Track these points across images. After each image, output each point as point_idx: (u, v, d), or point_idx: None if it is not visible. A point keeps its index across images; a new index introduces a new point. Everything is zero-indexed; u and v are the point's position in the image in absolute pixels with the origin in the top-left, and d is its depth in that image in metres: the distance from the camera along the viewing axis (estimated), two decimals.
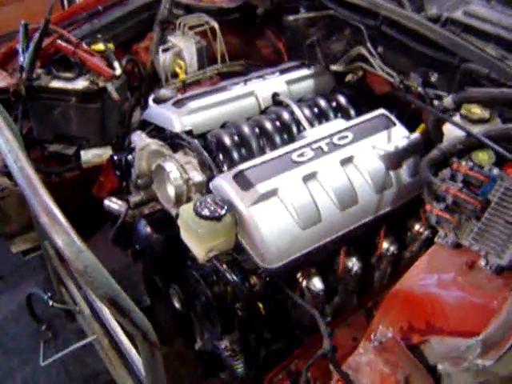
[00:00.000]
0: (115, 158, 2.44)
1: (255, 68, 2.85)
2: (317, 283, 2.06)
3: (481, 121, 2.01)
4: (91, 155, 2.73)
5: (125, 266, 3.02)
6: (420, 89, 2.38)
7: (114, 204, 2.47)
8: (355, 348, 1.71)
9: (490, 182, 1.71)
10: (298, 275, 2.06)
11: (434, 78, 2.41)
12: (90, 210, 2.74)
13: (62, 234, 1.34)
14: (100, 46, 2.78)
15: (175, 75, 2.83)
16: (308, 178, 2.03)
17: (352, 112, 2.48)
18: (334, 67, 2.70)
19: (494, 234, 1.65)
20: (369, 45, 2.55)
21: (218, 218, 1.88)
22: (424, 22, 2.33)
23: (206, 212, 1.89)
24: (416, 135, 2.20)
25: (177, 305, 2.24)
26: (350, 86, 2.67)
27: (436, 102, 2.26)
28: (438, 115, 2.13)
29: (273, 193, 1.96)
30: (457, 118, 2.05)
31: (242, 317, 2.01)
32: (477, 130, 1.95)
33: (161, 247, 2.23)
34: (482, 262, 1.64)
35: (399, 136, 2.21)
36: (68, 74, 2.69)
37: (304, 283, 2.06)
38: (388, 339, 1.67)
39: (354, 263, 2.14)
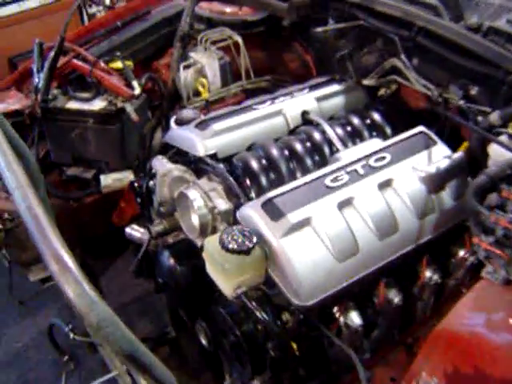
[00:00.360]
0: (135, 184, 2.30)
1: (282, 84, 2.70)
2: (355, 318, 1.89)
3: None
4: (111, 180, 2.60)
5: (148, 293, 2.89)
6: (461, 102, 2.20)
7: (135, 232, 2.34)
8: None
9: None
10: (335, 310, 1.90)
11: (474, 91, 2.22)
12: (112, 235, 2.61)
13: (73, 283, 1.21)
14: (118, 64, 2.65)
15: (198, 93, 2.69)
16: (343, 204, 1.86)
17: (388, 130, 2.31)
18: (365, 81, 2.53)
19: None
20: (403, 56, 2.38)
21: (247, 252, 1.73)
22: (463, 31, 2.16)
23: (233, 245, 1.74)
24: (459, 154, 2.02)
25: (203, 342, 2.09)
26: (384, 101, 2.50)
27: (480, 118, 2.08)
28: (482, 134, 1.95)
29: (305, 222, 1.80)
30: (504, 138, 1.88)
31: (274, 357, 1.85)
32: None
33: (185, 280, 2.09)
34: None
35: (441, 155, 2.04)
36: (85, 95, 2.56)
37: (341, 319, 1.89)
38: None
39: (394, 295, 1.97)
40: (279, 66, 2.93)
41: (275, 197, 1.88)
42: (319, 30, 2.60)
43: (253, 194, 2.04)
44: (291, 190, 1.91)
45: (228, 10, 2.79)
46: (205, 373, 2.44)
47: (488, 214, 1.60)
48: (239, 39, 2.70)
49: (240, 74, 2.76)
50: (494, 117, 1.95)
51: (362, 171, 1.95)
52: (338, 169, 1.97)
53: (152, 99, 2.74)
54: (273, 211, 1.83)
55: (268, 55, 2.92)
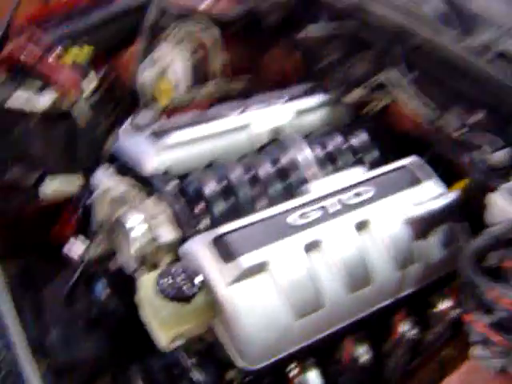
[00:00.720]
0: (76, 196, 1.99)
1: (260, 88, 2.37)
2: (314, 379, 1.59)
3: None
4: (54, 186, 2.26)
5: None
6: (457, 134, 1.88)
7: (74, 251, 2.01)
8: None
9: None
10: (290, 368, 1.59)
11: (476, 118, 1.90)
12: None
13: None
14: (74, 54, 2.30)
15: (161, 94, 2.34)
16: (308, 248, 1.55)
17: (375, 154, 1.99)
18: (352, 95, 2.20)
19: None
20: (397, 70, 2.07)
21: (187, 299, 1.42)
22: (464, 54, 1.85)
23: (171, 289, 1.43)
24: (455, 194, 1.70)
25: None
26: (372, 118, 2.17)
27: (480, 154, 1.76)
28: (477, 179, 1.65)
29: (261, 268, 1.49)
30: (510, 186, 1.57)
31: None
32: None
33: (120, 315, 1.78)
34: None
35: (434, 193, 1.73)
36: (29, 90, 2.21)
37: (297, 380, 1.59)
38: None
39: (363, 352, 1.67)
40: (258, 69, 2.59)
41: (229, 232, 1.56)
42: (304, 34, 2.28)
43: (204, 225, 1.72)
44: (249, 225, 1.59)
45: (202, 5, 2.44)
46: None
47: (487, 288, 1.29)
48: (216, 34, 2.36)
49: (214, 75, 2.42)
50: (500, 156, 1.64)
51: (335, 208, 1.64)
52: (307, 203, 1.65)
53: (109, 98, 2.39)
54: (224, 250, 1.51)
55: (246, 56, 2.56)
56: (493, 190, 1.59)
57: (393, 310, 1.71)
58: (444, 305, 1.79)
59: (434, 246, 1.70)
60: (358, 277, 1.58)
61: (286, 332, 1.49)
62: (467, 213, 1.70)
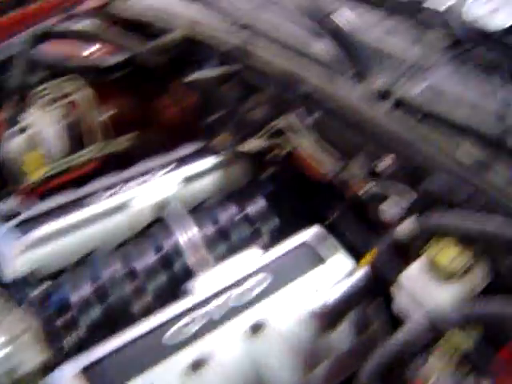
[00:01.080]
0: None
1: (149, 144, 2.10)
2: None
3: (452, 276, 1.30)
4: None
5: None
6: (366, 186, 1.64)
7: None
8: None
9: None
10: None
11: (380, 167, 1.66)
12: None
13: None
14: None
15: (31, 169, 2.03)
16: (193, 368, 1.30)
17: (273, 223, 1.75)
18: (250, 145, 1.95)
19: None
20: (296, 116, 1.83)
21: None
22: (358, 104, 1.63)
23: None
24: (363, 272, 1.46)
25: None
26: (273, 175, 1.93)
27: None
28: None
29: None
30: (418, 267, 1.34)
31: None
32: (450, 293, 1.25)
33: None
34: None
35: (339, 273, 1.49)
36: None
37: None
38: None
39: None
40: (153, 117, 2.32)
41: (103, 358, 1.30)
42: (190, 79, 2.02)
43: (73, 340, 1.46)
44: (125, 346, 1.33)
45: (84, 52, 2.15)
46: None
47: None
48: (90, 91, 2.07)
49: (92, 135, 2.12)
50: (407, 229, 1.41)
51: (221, 313, 1.39)
52: (186, 311, 1.39)
53: None
54: (99, 380, 1.27)
55: (136, 105, 2.30)
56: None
57: None
58: None
59: (344, 336, 1.46)
60: None
61: None
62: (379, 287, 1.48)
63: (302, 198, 1.85)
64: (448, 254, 1.32)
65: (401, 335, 1.20)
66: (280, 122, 1.91)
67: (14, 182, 1.97)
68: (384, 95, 1.63)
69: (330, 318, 1.43)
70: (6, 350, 1.41)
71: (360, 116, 1.62)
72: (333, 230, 1.65)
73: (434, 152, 1.48)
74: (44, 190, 1.95)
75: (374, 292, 1.47)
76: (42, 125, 2.00)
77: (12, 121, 2.00)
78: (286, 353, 1.38)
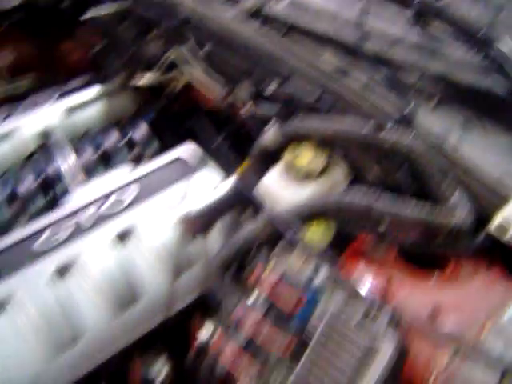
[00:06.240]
0: None
1: (49, 86, 2.12)
2: None
3: (309, 175, 1.37)
4: None
5: None
6: (246, 108, 1.71)
7: None
8: None
9: (309, 301, 1.06)
10: None
11: (269, 92, 1.73)
12: None
13: None
14: None
15: None
16: (59, 274, 1.35)
17: (154, 146, 1.79)
18: (144, 79, 1.99)
19: None
20: (186, 47, 1.87)
21: None
22: (231, 23, 1.67)
23: None
24: (233, 181, 1.52)
25: None
26: (165, 104, 1.97)
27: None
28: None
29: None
30: (277, 171, 1.41)
31: None
32: (307, 191, 1.34)
33: None
34: None
35: (208, 183, 1.54)
36: None
37: None
38: None
39: (157, 371, 1.49)
40: (57, 60, 2.34)
41: None
42: (86, 16, 2.04)
43: None
44: None
45: None
46: None
47: (230, 308, 1.13)
48: None
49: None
50: (271, 137, 1.46)
51: (89, 221, 1.44)
52: (57, 221, 1.44)
53: None
54: None
55: (40, 48, 2.31)
56: None
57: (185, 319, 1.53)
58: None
59: (215, 243, 1.52)
60: (123, 296, 1.39)
61: (40, 378, 1.29)
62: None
63: (184, 125, 1.89)
64: (305, 156, 1.39)
65: (244, 231, 1.27)
66: (171, 54, 1.96)
67: None
68: (254, 14, 1.68)
69: (199, 225, 1.48)
70: None
71: (233, 35, 1.67)
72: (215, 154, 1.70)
73: (298, 62, 1.54)
74: None
75: (243, 201, 1.54)
76: None
77: None
78: (155, 258, 1.43)
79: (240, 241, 1.26)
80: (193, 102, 2.01)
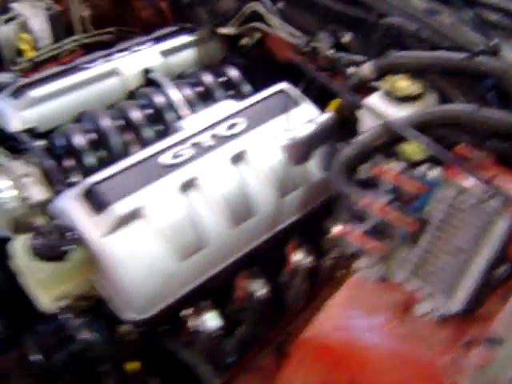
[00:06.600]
0: None
1: (129, 37, 2.25)
2: (211, 321, 1.56)
3: (410, 98, 1.51)
4: None
5: None
6: (330, 52, 1.86)
7: None
8: None
9: (427, 191, 1.22)
10: (185, 314, 1.54)
11: (347, 38, 1.88)
12: None
13: None
14: None
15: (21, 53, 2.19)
16: (185, 187, 1.50)
17: (246, 88, 1.94)
18: (224, 30, 2.13)
19: (437, 267, 1.17)
20: (262, 2, 2.02)
21: (60, 257, 1.34)
22: None
23: (45, 250, 1.35)
24: (328, 116, 1.67)
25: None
26: (246, 53, 2.12)
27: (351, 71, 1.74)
28: (344, 96, 1.63)
29: (137, 214, 1.43)
30: (378, 96, 1.56)
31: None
32: (406, 111, 1.46)
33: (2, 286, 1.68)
34: (422, 306, 1.17)
35: (307, 117, 1.69)
36: None
37: (193, 323, 1.55)
38: None
39: (258, 287, 1.65)
40: (128, 16, 2.47)
41: (100, 182, 1.48)
42: None
43: (77, 179, 1.63)
44: (120, 171, 1.51)
45: None
46: None
47: (357, 197, 1.28)
48: None
49: (75, 27, 2.28)
50: (367, 69, 1.61)
51: (208, 143, 1.59)
52: (179, 142, 1.59)
53: None
54: (96, 201, 1.44)
55: (114, 3, 2.45)
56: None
57: (283, 240, 1.69)
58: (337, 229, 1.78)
59: (314, 169, 1.67)
60: (240, 210, 1.54)
61: (171, 276, 1.44)
62: (344, 131, 1.69)
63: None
64: (402, 83, 1.54)
65: (362, 136, 1.42)
66: (248, 9, 2.10)
67: (10, 60, 2.13)
68: None
69: (300, 152, 1.63)
70: (15, 186, 1.58)
71: None
72: None
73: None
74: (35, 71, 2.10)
75: (339, 134, 1.69)
76: (29, 13, 2.15)
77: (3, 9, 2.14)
78: (265, 179, 1.59)
79: (361, 143, 1.40)
80: (268, 53, 2.16)
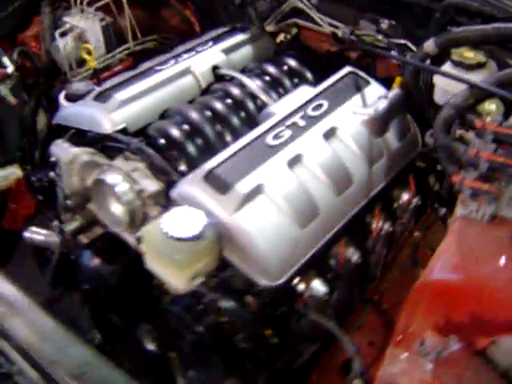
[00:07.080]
0: (34, 178, 1.93)
1: (170, 42, 2.38)
2: (320, 287, 1.69)
3: (478, 66, 1.71)
4: None
5: (53, 299, 2.50)
6: (380, 37, 2.06)
7: (38, 236, 1.96)
8: (377, 355, 1.46)
9: None
10: (297, 282, 1.67)
11: (385, 25, 2.08)
12: None
13: None
14: None
15: (80, 63, 2.29)
16: (293, 163, 1.64)
17: (308, 75, 2.10)
18: (269, 27, 2.30)
19: None
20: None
21: (198, 237, 1.45)
22: None
23: (180, 231, 1.46)
24: (397, 92, 1.85)
25: (150, 346, 1.80)
26: (289, 46, 2.28)
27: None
28: (420, 66, 1.81)
29: (258, 190, 1.56)
30: (447, 67, 1.75)
31: (248, 349, 1.62)
32: (475, 77, 1.66)
33: (117, 280, 1.77)
34: None
35: (377, 95, 1.86)
36: None
37: (306, 291, 1.68)
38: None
39: (352, 253, 1.80)
40: (160, 25, 2.60)
41: (216, 167, 1.61)
42: None
43: (183, 168, 1.76)
44: (231, 156, 1.65)
45: None
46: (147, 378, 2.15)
47: (466, 148, 1.45)
48: None
49: (123, 36, 2.39)
50: (430, 45, 1.80)
51: (302, 123, 1.73)
52: (277, 124, 1.73)
53: (25, 77, 2.30)
54: (218, 184, 1.56)
55: (147, 13, 2.57)
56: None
57: (369, 208, 1.84)
58: (405, 196, 1.96)
59: (391, 140, 1.84)
60: (341, 180, 1.69)
61: (297, 242, 1.58)
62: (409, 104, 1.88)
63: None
64: (469, 54, 1.74)
65: (455, 98, 1.60)
66: (288, 6, 2.27)
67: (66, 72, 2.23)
68: None
69: (378, 126, 1.80)
70: (127, 180, 1.68)
71: None
72: None
73: None
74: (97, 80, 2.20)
75: (407, 107, 1.88)
76: (84, 25, 2.25)
77: (55, 24, 2.24)
78: (355, 151, 1.75)
79: (454, 105, 1.58)
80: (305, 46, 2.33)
